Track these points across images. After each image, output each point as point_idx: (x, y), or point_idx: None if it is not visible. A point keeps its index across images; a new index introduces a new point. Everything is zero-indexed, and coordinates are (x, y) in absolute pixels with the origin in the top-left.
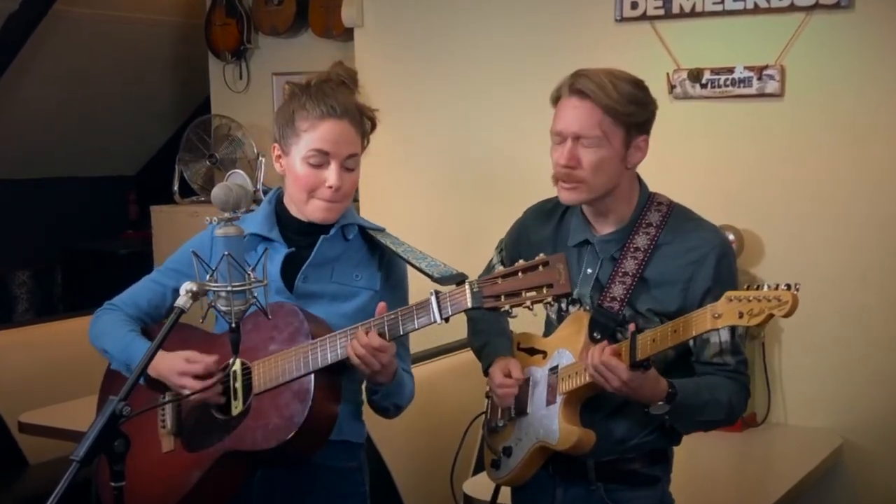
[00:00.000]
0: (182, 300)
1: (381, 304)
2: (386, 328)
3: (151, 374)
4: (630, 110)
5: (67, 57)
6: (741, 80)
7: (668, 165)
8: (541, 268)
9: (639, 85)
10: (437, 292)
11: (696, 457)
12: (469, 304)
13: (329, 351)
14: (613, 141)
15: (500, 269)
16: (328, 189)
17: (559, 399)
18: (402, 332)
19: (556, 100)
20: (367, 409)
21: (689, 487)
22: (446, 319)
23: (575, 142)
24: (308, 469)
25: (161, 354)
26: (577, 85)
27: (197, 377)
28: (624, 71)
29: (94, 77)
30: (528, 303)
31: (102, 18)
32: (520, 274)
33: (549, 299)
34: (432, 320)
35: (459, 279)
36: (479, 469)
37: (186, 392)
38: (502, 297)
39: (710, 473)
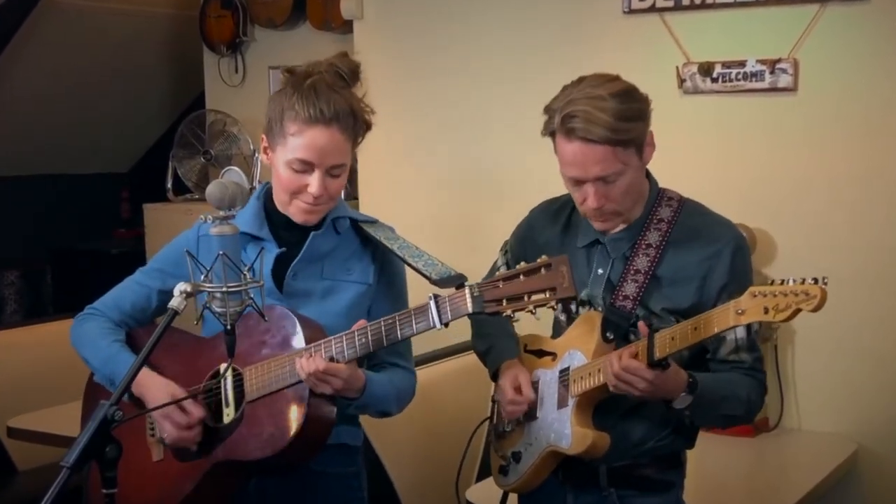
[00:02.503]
0: (176, 301)
1: (360, 322)
2: (383, 334)
3: (134, 391)
4: (629, 126)
5: (57, 50)
6: (753, 74)
7: (678, 162)
8: (543, 270)
9: (625, 95)
10: (436, 296)
11: (707, 463)
12: (470, 310)
13: (324, 356)
14: (632, 162)
15: (501, 271)
16: (310, 194)
17: (571, 402)
18: (400, 338)
19: (550, 134)
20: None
21: (701, 494)
22: (446, 325)
23: (598, 182)
24: (305, 475)
25: (149, 378)
26: (576, 132)
27: (178, 425)
28: (602, 81)
29: (84, 71)
30: (532, 307)
31: (93, 10)
32: (521, 277)
33: (553, 303)
34: (431, 325)
35: (458, 281)
36: (482, 476)
37: (163, 434)
38: (504, 301)
39: (722, 480)
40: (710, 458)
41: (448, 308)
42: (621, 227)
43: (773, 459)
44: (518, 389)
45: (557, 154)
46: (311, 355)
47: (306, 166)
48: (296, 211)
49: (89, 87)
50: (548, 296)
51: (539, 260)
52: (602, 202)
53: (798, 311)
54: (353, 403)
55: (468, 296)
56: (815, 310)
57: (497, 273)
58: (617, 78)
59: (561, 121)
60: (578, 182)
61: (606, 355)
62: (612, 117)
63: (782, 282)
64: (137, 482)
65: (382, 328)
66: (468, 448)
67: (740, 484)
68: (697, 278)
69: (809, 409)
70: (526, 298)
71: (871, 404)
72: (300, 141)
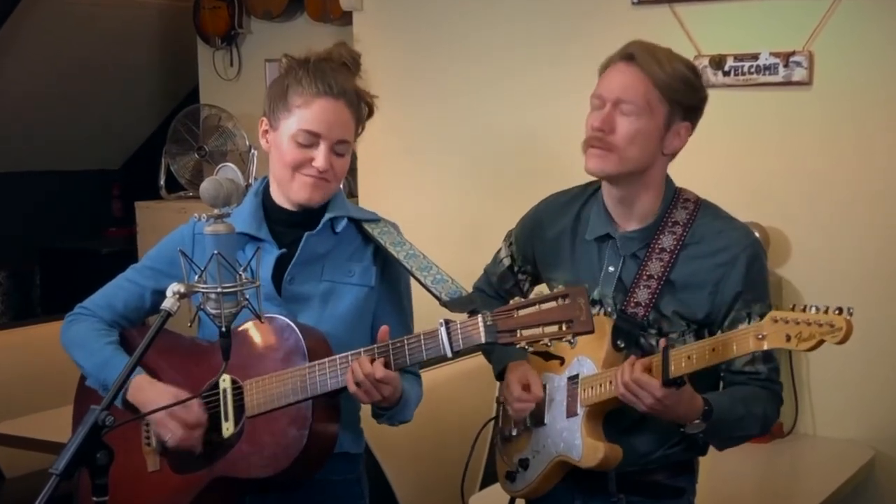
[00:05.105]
0: (169, 302)
1: (384, 328)
2: (391, 357)
3: (131, 400)
4: (679, 87)
5: (46, 42)
6: (766, 67)
7: (688, 158)
8: (559, 300)
9: (692, 69)
10: (447, 322)
11: (719, 470)
12: (483, 340)
13: (329, 377)
14: (656, 114)
15: (516, 299)
16: (314, 168)
17: (581, 411)
18: (409, 363)
19: (604, 68)
20: (365, 416)
21: (713, 501)
22: (456, 353)
23: (614, 107)
24: (306, 482)
25: (149, 386)
26: (629, 50)
27: (185, 423)
28: (678, 53)
29: (74, 64)
30: (546, 340)
31: (84, 1)
32: (537, 306)
33: (570, 338)
34: (441, 353)
35: (470, 305)
36: (486, 482)
37: (167, 437)
38: (518, 331)
39: (735, 487)
40: (723, 464)
41: (460, 336)
42: (635, 225)
43: (788, 466)
44: (527, 387)
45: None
46: (371, 359)
47: (313, 139)
48: (299, 186)
49: (79, 81)
50: (564, 329)
51: (556, 290)
52: (605, 125)
53: (821, 342)
54: (385, 414)
55: (481, 325)
56: (840, 342)
57: (512, 301)
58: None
59: (624, 47)
60: (599, 102)
61: (620, 365)
62: (669, 65)
63: (804, 308)
64: (130, 493)
65: (390, 351)
66: (472, 451)
67: (754, 491)
68: (710, 284)
69: (825, 414)
70: (541, 330)
71: (888, 409)
72: (307, 112)
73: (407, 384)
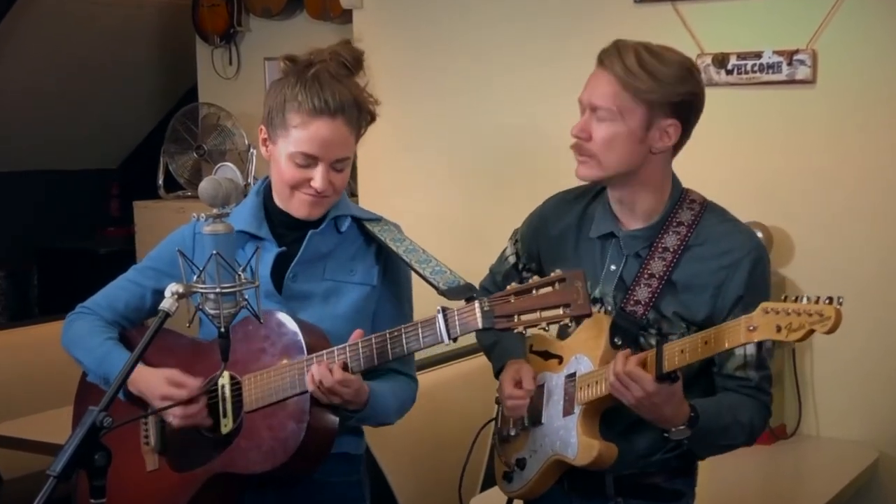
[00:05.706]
0: (167, 303)
1: (357, 332)
2: (388, 346)
3: (132, 390)
4: (651, 87)
5: (44, 40)
6: (770, 66)
7: (690, 157)
8: (557, 285)
9: (681, 64)
10: (444, 309)
11: (721, 472)
12: (479, 325)
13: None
14: (629, 118)
15: (513, 285)
16: (312, 188)
17: (577, 410)
18: (405, 352)
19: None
20: None
21: (715, 503)
22: (454, 339)
23: (591, 113)
24: (306, 484)
25: (141, 370)
26: (602, 57)
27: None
28: (672, 49)
29: (72, 63)
30: (544, 324)
31: None
32: (534, 291)
33: (567, 321)
34: (439, 340)
35: (468, 293)
36: (487, 484)
37: (170, 419)
38: (515, 316)
39: (737, 489)
40: (724, 466)
41: (457, 322)
42: (639, 224)
43: (791, 468)
44: (518, 384)
45: None
46: (329, 364)
47: (310, 160)
48: (298, 204)
49: (77, 80)
50: (562, 312)
51: (553, 274)
52: (581, 133)
53: (811, 332)
54: (353, 416)
55: (478, 310)
56: (829, 332)
57: (508, 287)
58: (687, 58)
59: (607, 47)
60: (581, 108)
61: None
62: (639, 63)
63: (796, 299)
64: (129, 493)
65: (388, 340)
66: (471, 452)
67: (756, 493)
68: (712, 287)
69: (828, 415)
70: (538, 314)
71: (892, 410)
72: (304, 134)
73: (388, 388)
